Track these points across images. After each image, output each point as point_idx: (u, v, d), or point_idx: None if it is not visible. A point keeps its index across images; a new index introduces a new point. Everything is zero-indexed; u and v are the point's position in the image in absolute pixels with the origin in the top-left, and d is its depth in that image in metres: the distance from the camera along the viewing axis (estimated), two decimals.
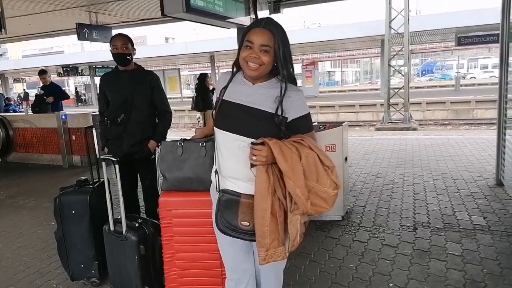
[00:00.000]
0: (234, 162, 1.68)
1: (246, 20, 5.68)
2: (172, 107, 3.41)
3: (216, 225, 1.70)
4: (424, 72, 49.85)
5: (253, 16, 5.91)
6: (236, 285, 1.83)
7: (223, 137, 1.70)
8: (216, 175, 1.75)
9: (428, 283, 2.57)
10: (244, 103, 1.66)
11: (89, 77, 29.36)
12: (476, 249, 2.98)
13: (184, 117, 22.14)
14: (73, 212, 2.69)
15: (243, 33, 1.67)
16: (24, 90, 28.25)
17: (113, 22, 9.18)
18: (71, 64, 24.96)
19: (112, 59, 3.16)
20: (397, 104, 14.63)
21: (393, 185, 4.74)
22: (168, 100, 3.43)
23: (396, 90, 14.37)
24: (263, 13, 6.27)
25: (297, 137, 1.59)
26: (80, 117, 6.94)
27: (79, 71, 25.05)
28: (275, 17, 7.44)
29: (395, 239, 3.25)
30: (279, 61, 1.63)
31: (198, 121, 13.17)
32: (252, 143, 1.53)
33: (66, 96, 8.19)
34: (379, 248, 3.10)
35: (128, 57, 3.12)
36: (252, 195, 1.58)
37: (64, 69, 24.06)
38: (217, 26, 5.51)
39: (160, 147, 2.82)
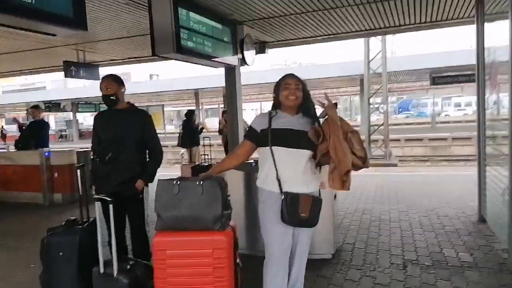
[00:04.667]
0: (293, 170, 2.38)
1: (233, 60, 5.86)
2: None
3: (282, 220, 2.33)
4: (400, 110, 51.44)
5: (240, 56, 6.10)
6: (278, 268, 2.44)
7: (282, 152, 2.38)
8: (278, 182, 2.35)
9: None
10: (292, 128, 2.42)
11: (71, 113, 29.10)
12: (465, 286, 3.02)
13: (168, 152, 21.99)
14: (61, 254, 2.61)
15: (277, 84, 2.51)
16: (2, 127, 27.48)
17: (100, 60, 9.26)
18: (53, 100, 24.74)
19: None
20: (377, 140, 15.00)
21: (380, 222, 4.80)
22: None
23: (376, 127, 14.79)
24: (249, 53, 6.45)
25: None
26: (64, 154, 6.83)
27: (62, 107, 24.81)
28: (260, 56, 7.67)
29: (386, 277, 3.25)
30: (305, 95, 2.48)
31: (182, 157, 13.11)
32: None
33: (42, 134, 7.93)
34: (371, 287, 3.10)
35: (112, 98, 3.13)
36: (307, 194, 2.37)
37: (46, 105, 23.76)
38: (206, 65, 5.65)
39: (146, 186, 2.85)
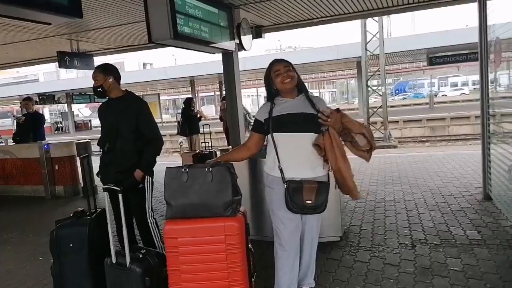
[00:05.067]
0: (295, 154, 2.32)
1: (230, 45, 5.76)
2: None
3: (287, 207, 2.29)
4: (397, 91, 51.40)
5: (237, 41, 6.00)
6: (288, 252, 2.41)
7: (285, 138, 2.34)
8: (280, 170, 2.32)
9: None
10: (294, 112, 2.36)
11: (66, 104, 28.85)
12: (475, 263, 3.03)
13: (166, 142, 21.93)
14: (71, 245, 2.59)
15: (266, 73, 2.46)
16: None
17: (94, 49, 9.10)
18: (47, 92, 24.49)
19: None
20: (376, 123, 15.00)
21: (385, 203, 4.80)
22: None
23: (374, 109, 14.77)
24: (246, 38, 6.36)
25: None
26: (64, 146, 6.76)
27: (56, 99, 24.56)
28: (256, 41, 7.58)
29: (395, 257, 3.26)
30: (297, 75, 2.41)
31: (181, 146, 13.08)
32: (323, 112, 2.28)
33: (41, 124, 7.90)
34: (381, 267, 3.11)
35: (98, 89, 3.10)
36: (311, 180, 2.30)
37: (40, 97, 23.52)
38: (203, 51, 5.55)
39: (149, 175, 2.83)
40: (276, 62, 2.44)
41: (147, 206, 3.16)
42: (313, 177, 2.34)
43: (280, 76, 2.37)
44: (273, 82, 2.42)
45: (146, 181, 3.13)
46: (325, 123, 2.25)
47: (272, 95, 2.46)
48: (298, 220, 2.44)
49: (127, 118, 3.07)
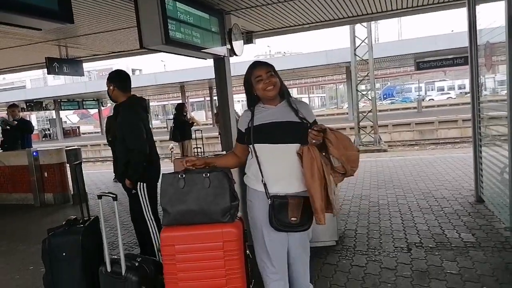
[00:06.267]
0: (280, 167, 2.12)
1: (222, 50, 5.77)
2: None
3: (271, 225, 2.09)
4: (385, 96, 52.00)
5: (228, 46, 6.01)
6: (277, 269, 2.19)
7: (268, 149, 2.13)
8: (264, 184, 2.11)
9: None
10: (277, 120, 2.14)
11: (53, 111, 28.45)
12: (472, 266, 3.04)
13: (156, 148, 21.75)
14: (64, 254, 2.52)
15: (246, 77, 2.22)
16: None
17: (83, 55, 9.02)
18: (34, 99, 24.14)
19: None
20: (366, 127, 15.13)
21: (379, 207, 4.81)
22: None
23: (364, 114, 14.90)
24: (238, 43, 6.38)
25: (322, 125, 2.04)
26: (53, 153, 6.65)
27: (44, 105, 24.20)
28: (248, 46, 7.59)
29: (392, 261, 3.26)
30: (280, 80, 2.18)
31: (171, 152, 13.01)
32: (313, 128, 1.98)
33: (32, 130, 7.88)
34: (378, 271, 3.10)
35: (110, 95, 3.30)
36: (296, 196, 2.08)
37: (28, 104, 23.17)
38: (194, 57, 5.54)
39: (139, 183, 2.88)
40: (257, 65, 2.20)
41: (144, 212, 3.15)
42: (298, 192, 2.12)
43: (261, 83, 2.14)
44: (253, 87, 2.18)
45: (138, 187, 3.14)
46: (315, 138, 1.98)
47: (253, 100, 2.24)
48: (284, 237, 2.19)
49: (116, 127, 3.20)
